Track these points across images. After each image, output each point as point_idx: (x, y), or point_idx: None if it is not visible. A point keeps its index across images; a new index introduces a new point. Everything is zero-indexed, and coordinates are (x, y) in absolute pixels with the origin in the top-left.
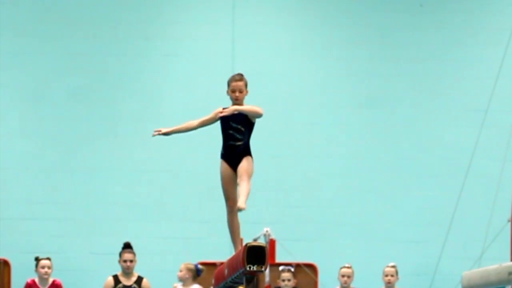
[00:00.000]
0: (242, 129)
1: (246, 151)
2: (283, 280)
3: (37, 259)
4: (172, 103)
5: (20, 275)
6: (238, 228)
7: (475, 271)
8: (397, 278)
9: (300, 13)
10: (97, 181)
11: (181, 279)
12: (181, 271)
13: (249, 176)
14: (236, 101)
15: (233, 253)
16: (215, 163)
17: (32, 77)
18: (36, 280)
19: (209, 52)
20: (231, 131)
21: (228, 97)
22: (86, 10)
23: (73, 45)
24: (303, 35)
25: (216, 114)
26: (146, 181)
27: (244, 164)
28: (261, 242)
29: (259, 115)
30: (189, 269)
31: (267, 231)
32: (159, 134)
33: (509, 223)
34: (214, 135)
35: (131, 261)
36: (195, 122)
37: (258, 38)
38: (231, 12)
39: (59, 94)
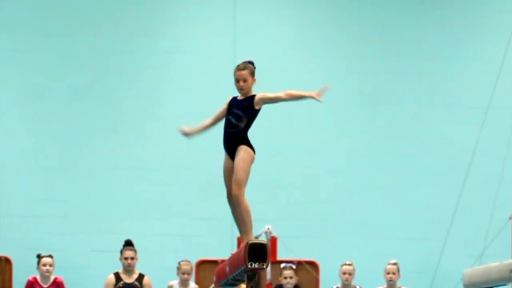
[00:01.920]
0: (241, 114)
1: (242, 139)
2: (285, 278)
3: (39, 257)
4: (173, 100)
5: (21, 272)
6: (241, 214)
7: (476, 269)
8: (399, 276)
9: (302, 10)
10: (98, 179)
11: (187, 279)
12: (188, 273)
13: (241, 185)
14: (242, 90)
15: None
16: (216, 161)
17: (33, 75)
18: (38, 277)
19: (210, 49)
20: (229, 117)
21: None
22: (87, 7)
23: (73, 43)
24: (304, 32)
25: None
26: (147, 179)
27: (238, 168)
28: (263, 239)
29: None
30: (191, 268)
31: (268, 228)
32: (183, 134)
33: (511, 220)
34: (214, 133)
35: (132, 258)
36: (209, 120)
37: (260, 35)
38: (232, 9)
39: (60, 92)
